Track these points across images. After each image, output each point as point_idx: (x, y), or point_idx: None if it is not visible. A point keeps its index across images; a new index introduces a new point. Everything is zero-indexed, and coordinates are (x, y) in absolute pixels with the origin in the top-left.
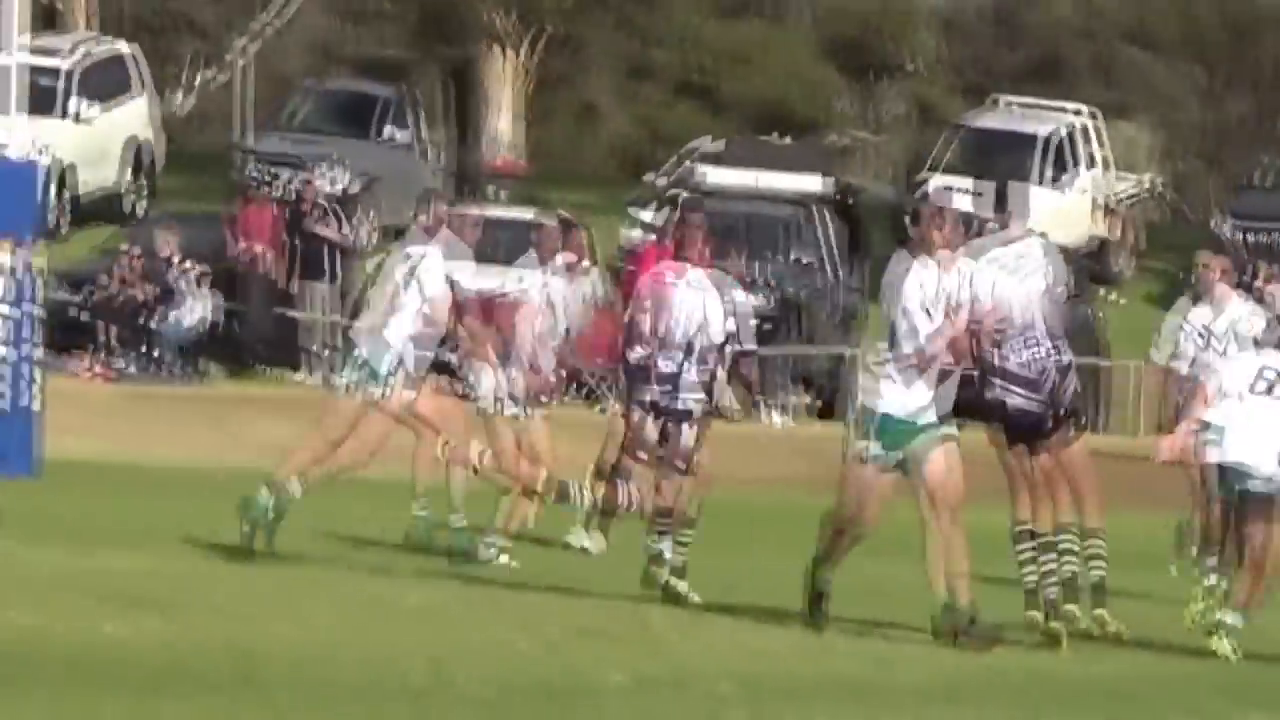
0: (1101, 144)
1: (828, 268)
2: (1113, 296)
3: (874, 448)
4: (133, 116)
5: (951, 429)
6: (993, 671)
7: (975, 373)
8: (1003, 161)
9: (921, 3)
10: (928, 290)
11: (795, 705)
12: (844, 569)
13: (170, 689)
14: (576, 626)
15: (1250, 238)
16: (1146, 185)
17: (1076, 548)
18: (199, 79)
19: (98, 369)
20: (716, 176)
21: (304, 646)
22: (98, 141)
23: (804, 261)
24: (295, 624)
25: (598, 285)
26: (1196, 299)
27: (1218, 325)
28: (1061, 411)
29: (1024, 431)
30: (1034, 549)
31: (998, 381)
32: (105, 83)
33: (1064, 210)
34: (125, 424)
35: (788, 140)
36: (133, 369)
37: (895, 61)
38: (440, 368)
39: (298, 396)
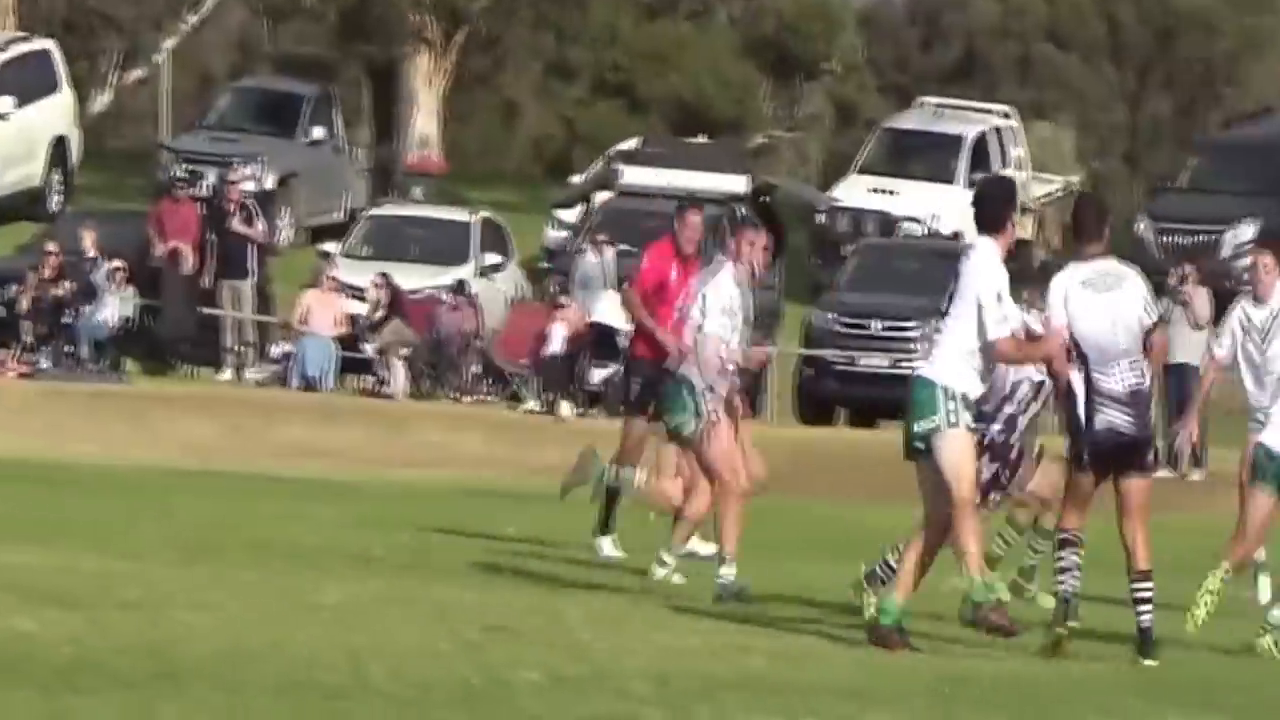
0: (1018, 144)
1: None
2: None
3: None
4: (57, 114)
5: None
6: (906, 670)
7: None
8: (928, 162)
9: (841, 3)
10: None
11: (710, 704)
12: (778, 573)
13: (81, 684)
14: (493, 625)
15: (1167, 239)
16: (1064, 185)
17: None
18: (118, 77)
19: (11, 365)
20: (634, 176)
21: (219, 643)
22: (24, 139)
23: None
24: (210, 621)
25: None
26: (1256, 298)
27: (1258, 316)
28: (1150, 444)
29: (1114, 456)
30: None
31: (1100, 400)
32: (31, 80)
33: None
34: (41, 421)
35: (702, 139)
36: (45, 364)
37: (814, 61)
38: (360, 365)
39: (216, 394)
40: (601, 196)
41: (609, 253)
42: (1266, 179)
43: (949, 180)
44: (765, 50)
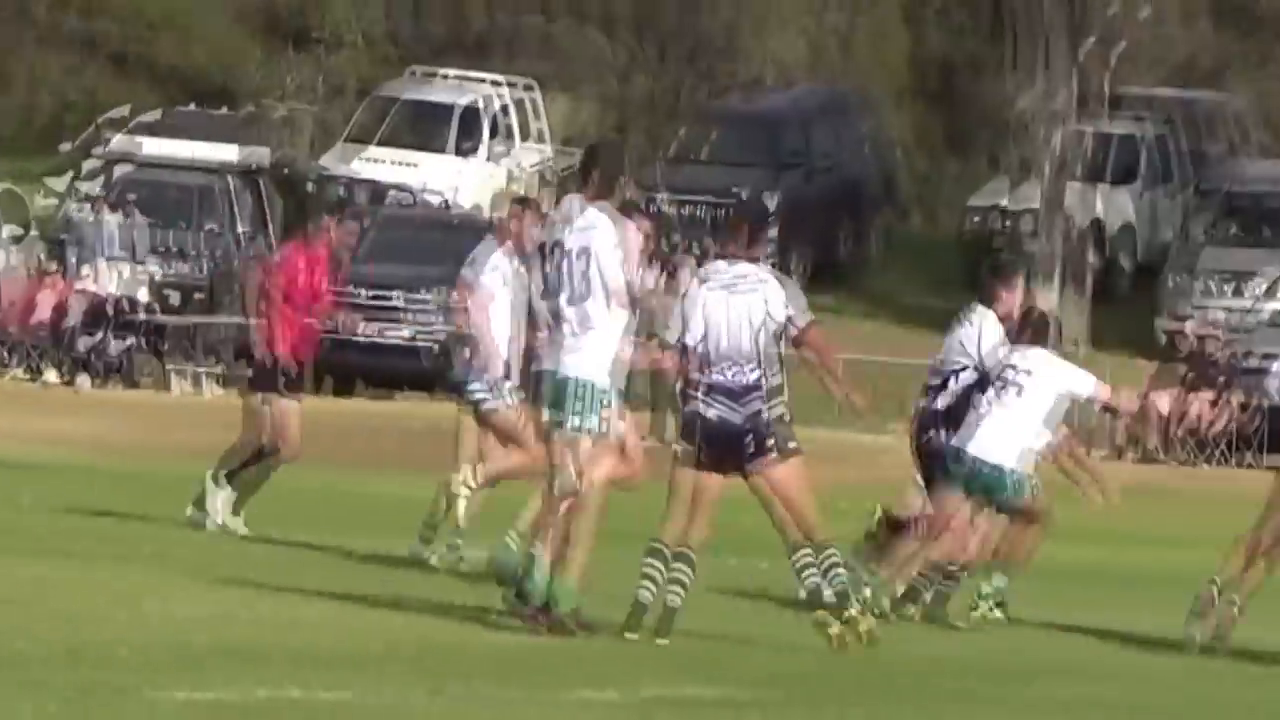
0: (537, 115)
1: (239, 237)
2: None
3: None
4: None
5: None
6: (395, 637)
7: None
8: (421, 131)
9: None
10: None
11: (189, 672)
12: (294, 545)
13: None
14: None
15: (684, 210)
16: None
17: (815, 560)
18: None
19: None
20: (152, 146)
21: None
22: None
23: (218, 231)
24: None
25: None
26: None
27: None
28: (763, 435)
29: (721, 448)
30: (663, 569)
31: (699, 395)
32: None
33: (487, 182)
34: None
35: (193, 108)
36: None
37: (323, 32)
38: None
39: None
40: (123, 166)
41: (138, 219)
42: (772, 150)
43: (440, 149)
44: (272, 21)
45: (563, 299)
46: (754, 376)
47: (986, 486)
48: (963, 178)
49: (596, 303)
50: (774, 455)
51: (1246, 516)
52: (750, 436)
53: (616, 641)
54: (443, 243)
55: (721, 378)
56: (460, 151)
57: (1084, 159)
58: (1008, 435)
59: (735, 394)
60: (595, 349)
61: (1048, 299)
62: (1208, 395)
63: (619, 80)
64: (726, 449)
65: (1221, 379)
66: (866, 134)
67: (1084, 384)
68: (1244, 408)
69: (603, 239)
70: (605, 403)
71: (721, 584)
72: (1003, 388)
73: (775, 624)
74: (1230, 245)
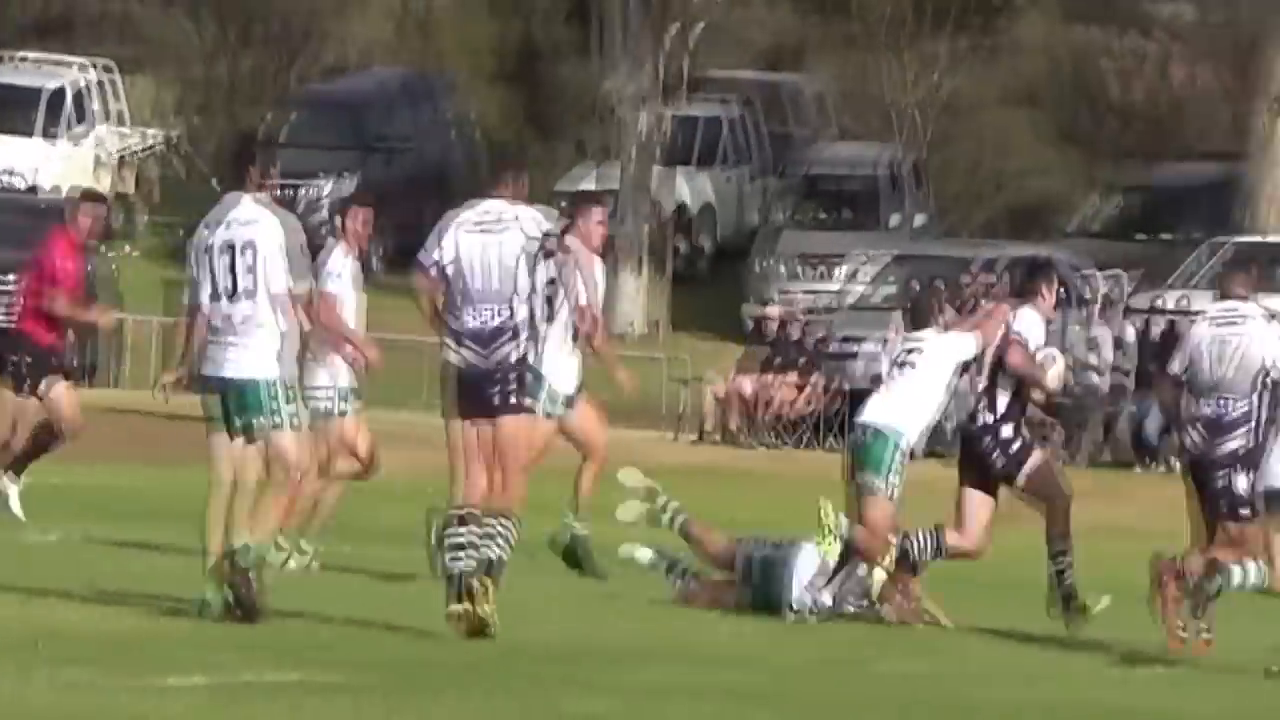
0: (117, 98)
1: None
2: (126, 250)
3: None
4: None
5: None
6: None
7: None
8: (9, 116)
9: None
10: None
11: None
12: None
13: None
14: None
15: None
16: (163, 139)
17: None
18: None
19: None
20: None
21: None
22: None
23: None
24: None
25: None
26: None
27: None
28: (508, 386)
29: (473, 391)
30: (469, 533)
31: (451, 344)
32: None
33: (70, 165)
34: None
35: None
36: None
37: None
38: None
39: None
40: None
41: None
42: (355, 134)
43: (27, 132)
44: None
45: (225, 298)
46: (504, 318)
47: (863, 450)
48: (548, 161)
49: (263, 297)
50: (512, 407)
51: (829, 496)
52: (498, 386)
53: (226, 628)
54: (29, 227)
55: (472, 323)
56: (46, 135)
57: (666, 142)
58: (899, 405)
59: (484, 340)
60: (266, 344)
61: (632, 282)
62: (792, 379)
63: (203, 63)
64: (477, 395)
65: (804, 362)
66: (449, 117)
67: (967, 344)
68: (826, 390)
69: (265, 234)
70: (289, 398)
71: (335, 566)
72: (899, 368)
73: (386, 608)
74: (812, 229)
